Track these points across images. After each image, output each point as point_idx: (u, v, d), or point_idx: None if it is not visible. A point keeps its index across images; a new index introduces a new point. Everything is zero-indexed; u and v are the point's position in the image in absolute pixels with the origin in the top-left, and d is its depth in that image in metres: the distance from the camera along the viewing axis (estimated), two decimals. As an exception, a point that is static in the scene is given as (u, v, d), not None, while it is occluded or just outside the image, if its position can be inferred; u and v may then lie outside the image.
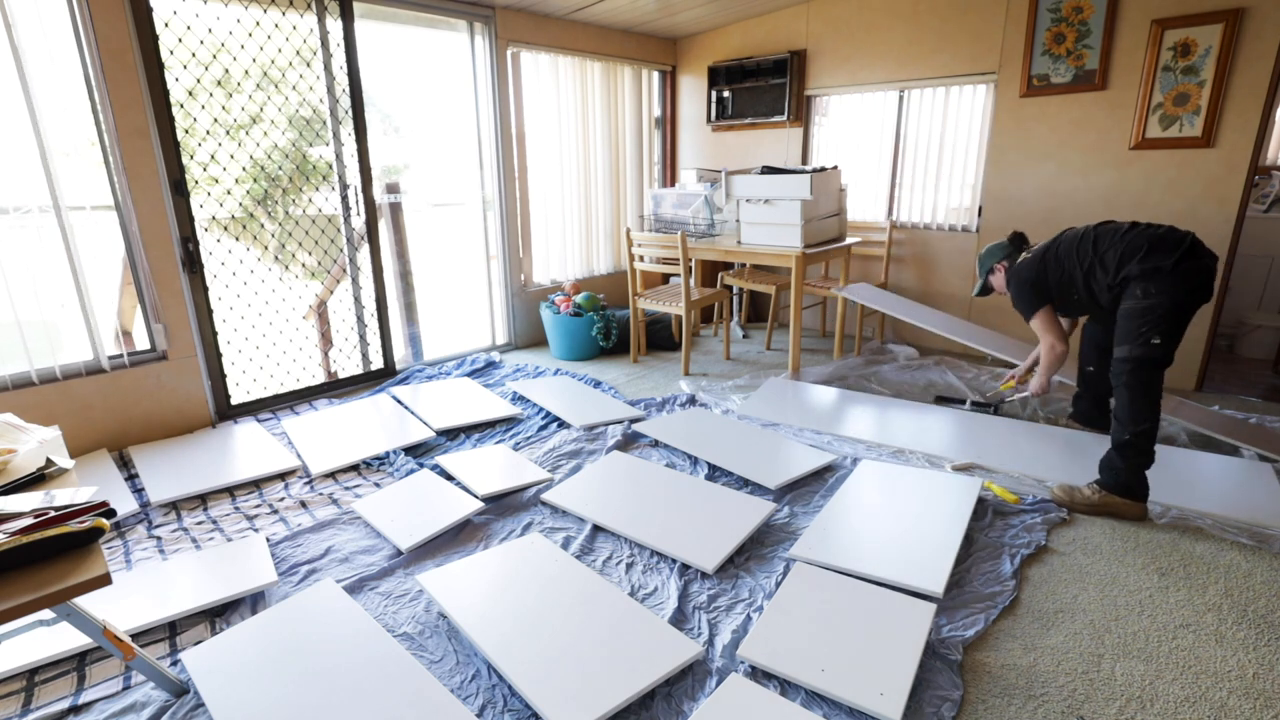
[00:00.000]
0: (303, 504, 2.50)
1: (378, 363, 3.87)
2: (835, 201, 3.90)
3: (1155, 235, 2.36)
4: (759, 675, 1.63)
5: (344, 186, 3.54)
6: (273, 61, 3.21)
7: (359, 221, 3.62)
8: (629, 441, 3.00)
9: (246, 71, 3.15)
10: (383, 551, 2.18)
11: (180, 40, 2.91)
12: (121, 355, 2.89)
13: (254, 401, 3.39)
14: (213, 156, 3.11)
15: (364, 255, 3.68)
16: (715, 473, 2.69)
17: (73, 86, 2.65)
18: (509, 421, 3.25)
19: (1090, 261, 2.49)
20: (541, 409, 3.37)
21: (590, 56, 4.60)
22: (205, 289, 3.12)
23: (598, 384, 3.76)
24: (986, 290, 2.94)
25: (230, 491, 2.58)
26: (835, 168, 3.85)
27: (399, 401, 3.42)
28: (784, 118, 4.62)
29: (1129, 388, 2.32)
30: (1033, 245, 2.77)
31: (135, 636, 1.78)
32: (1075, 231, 2.60)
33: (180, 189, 2.97)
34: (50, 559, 1.25)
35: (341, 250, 3.66)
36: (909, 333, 4.55)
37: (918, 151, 4.30)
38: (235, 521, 2.37)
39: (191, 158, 3.04)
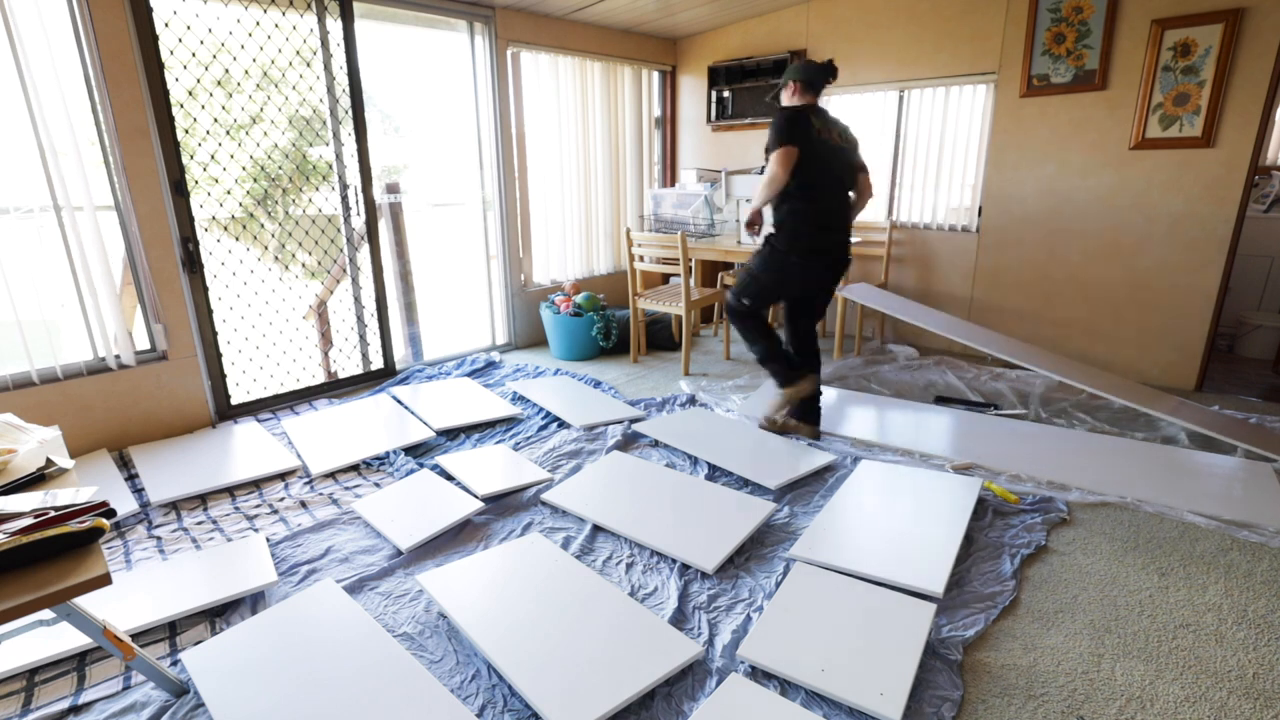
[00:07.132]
0: (303, 504, 2.50)
1: (378, 363, 3.87)
2: (835, 201, 3.90)
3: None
4: (759, 675, 1.63)
5: (344, 186, 3.54)
6: (273, 61, 3.21)
7: (359, 221, 3.62)
8: (629, 441, 3.00)
9: (246, 71, 3.15)
10: (383, 551, 2.18)
11: (180, 40, 2.91)
12: (120, 355, 2.89)
13: (254, 401, 3.39)
14: (213, 156, 3.11)
15: (364, 255, 3.68)
16: (715, 473, 2.69)
17: (73, 86, 2.65)
18: (509, 421, 3.25)
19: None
20: (541, 409, 3.37)
21: (590, 56, 4.60)
22: (205, 289, 3.11)
23: (598, 384, 3.76)
24: None
25: (230, 491, 2.58)
26: (835, 168, 3.85)
27: (399, 401, 3.42)
28: (784, 118, 4.61)
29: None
30: None
31: (135, 636, 1.78)
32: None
33: (180, 189, 2.97)
34: (50, 559, 1.25)
35: (341, 250, 3.66)
36: (909, 333, 4.55)
37: (918, 151, 4.30)
38: (235, 521, 2.37)
39: (191, 158, 3.04)
